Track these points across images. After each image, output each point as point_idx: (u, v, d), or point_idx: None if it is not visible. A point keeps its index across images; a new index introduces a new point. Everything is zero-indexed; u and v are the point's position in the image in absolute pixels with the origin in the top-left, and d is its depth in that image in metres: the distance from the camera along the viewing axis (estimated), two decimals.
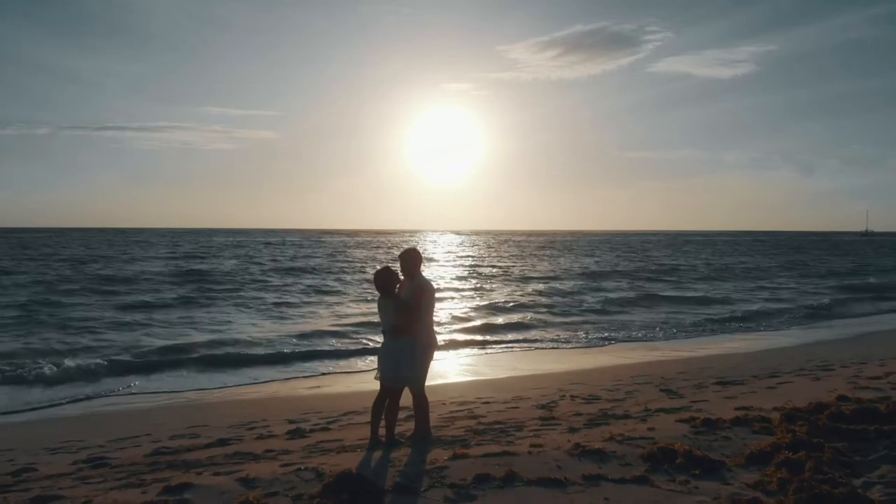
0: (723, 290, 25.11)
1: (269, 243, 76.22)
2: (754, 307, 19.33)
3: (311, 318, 16.59)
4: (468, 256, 41.55)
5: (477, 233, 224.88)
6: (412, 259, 5.21)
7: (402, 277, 5.19)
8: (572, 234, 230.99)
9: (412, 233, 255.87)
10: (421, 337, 5.02)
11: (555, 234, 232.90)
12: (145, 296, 19.88)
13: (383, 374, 5.03)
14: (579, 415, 6.14)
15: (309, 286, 23.50)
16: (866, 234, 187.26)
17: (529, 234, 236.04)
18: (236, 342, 12.74)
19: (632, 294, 22.50)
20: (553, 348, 12.96)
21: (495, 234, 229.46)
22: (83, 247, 57.47)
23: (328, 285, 23.66)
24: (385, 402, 5.10)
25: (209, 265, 31.28)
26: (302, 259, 39.37)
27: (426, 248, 67.40)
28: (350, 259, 41.06)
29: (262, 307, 18.21)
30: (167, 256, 39.21)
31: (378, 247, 68.69)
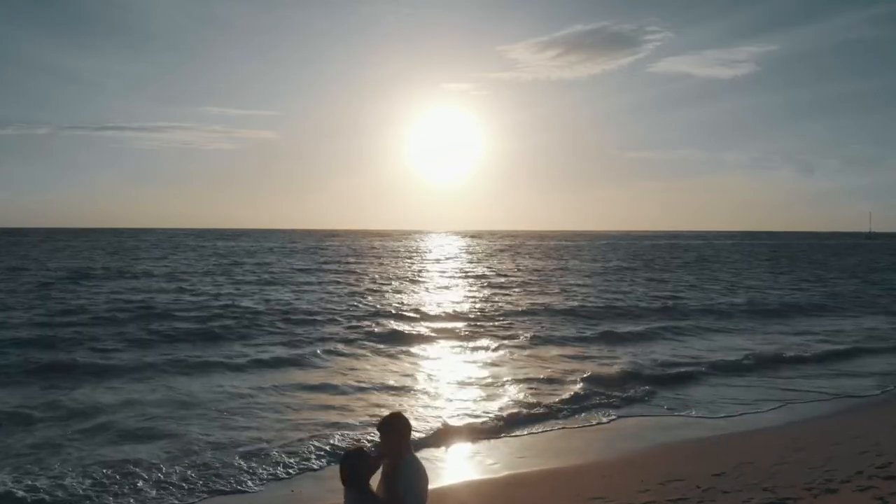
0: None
1: (272, 250, 74.91)
2: None
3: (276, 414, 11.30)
4: (484, 276, 37.53)
5: (479, 234, 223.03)
6: (397, 432, 3.76)
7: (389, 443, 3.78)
8: (575, 235, 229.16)
9: (412, 233, 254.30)
10: None
11: (556, 234, 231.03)
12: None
13: None
14: None
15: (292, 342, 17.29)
16: (870, 236, 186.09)
17: (531, 234, 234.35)
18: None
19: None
20: (562, 428, 10.78)
21: (496, 234, 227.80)
22: (67, 254, 56.03)
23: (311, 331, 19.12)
24: None
25: (180, 297, 25.22)
26: (289, 276, 37.98)
27: (426, 255, 65.94)
28: (350, 274, 39.61)
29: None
30: (141, 273, 37.33)
31: (379, 256, 67.04)
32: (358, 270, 40.34)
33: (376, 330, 18.33)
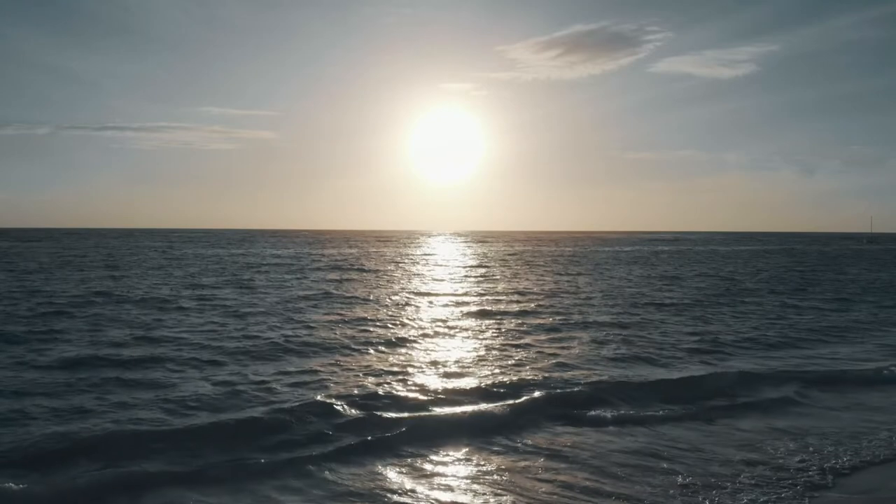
0: None
1: (265, 263, 70.40)
2: None
3: None
4: (525, 312, 30.70)
5: (484, 237, 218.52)
6: None
7: None
8: (578, 236, 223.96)
9: (413, 235, 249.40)
10: None
11: (559, 236, 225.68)
12: None
13: None
14: None
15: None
16: (871, 239, 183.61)
17: (534, 236, 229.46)
18: None
19: None
20: None
21: (498, 236, 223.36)
22: (53, 270, 51.32)
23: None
24: None
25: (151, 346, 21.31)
26: (291, 311, 33.37)
27: (438, 270, 61.08)
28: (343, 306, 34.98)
29: None
30: (120, 299, 32.82)
31: (386, 274, 62.51)
32: (367, 297, 35.69)
33: (396, 417, 13.68)
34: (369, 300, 33.85)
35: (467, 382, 16.50)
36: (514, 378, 16.91)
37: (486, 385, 16.16)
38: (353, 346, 21.10)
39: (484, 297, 35.81)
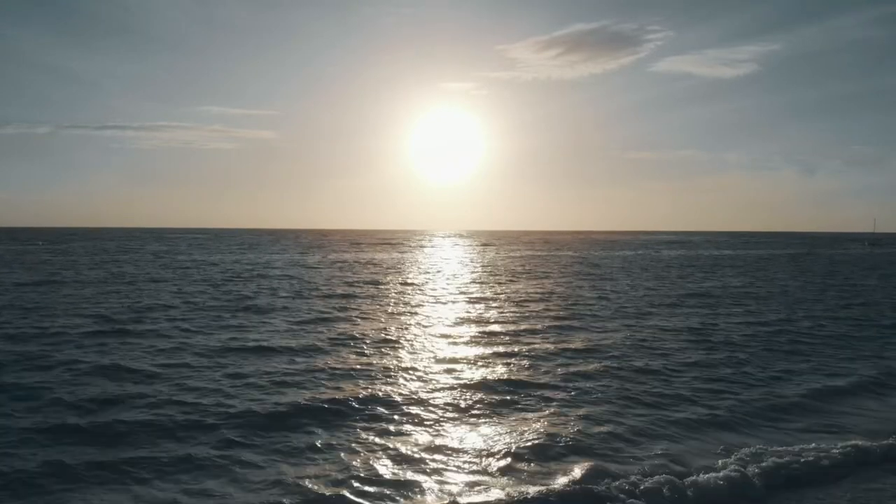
0: None
1: (262, 274, 67.59)
2: None
3: None
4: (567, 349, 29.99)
5: (488, 239, 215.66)
6: None
7: None
8: (580, 236, 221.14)
9: (413, 235, 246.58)
10: None
11: (561, 236, 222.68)
12: None
13: None
14: None
15: None
16: (873, 241, 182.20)
17: (533, 236, 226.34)
18: None
19: None
20: None
21: (500, 236, 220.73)
22: (36, 285, 48.30)
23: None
24: None
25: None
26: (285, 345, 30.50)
27: (442, 282, 58.11)
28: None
29: None
30: (111, 332, 29.92)
31: (386, 293, 59.81)
32: (381, 333, 32.76)
33: None
34: (383, 338, 31.01)
35: (516, 481, 13.56)
36: (570, 461, 13.95)
37: (541, 486, 13.23)
38: (366, 412, 18.12)
39: (510, 329, 32.98)
